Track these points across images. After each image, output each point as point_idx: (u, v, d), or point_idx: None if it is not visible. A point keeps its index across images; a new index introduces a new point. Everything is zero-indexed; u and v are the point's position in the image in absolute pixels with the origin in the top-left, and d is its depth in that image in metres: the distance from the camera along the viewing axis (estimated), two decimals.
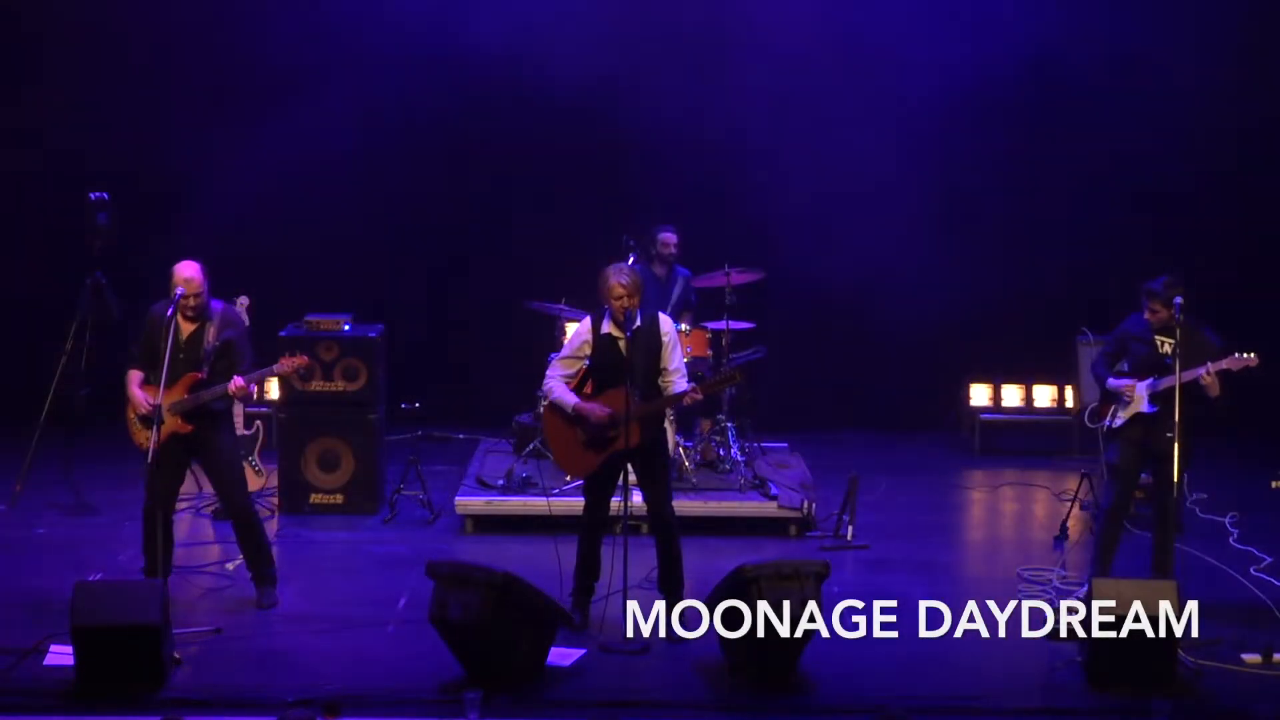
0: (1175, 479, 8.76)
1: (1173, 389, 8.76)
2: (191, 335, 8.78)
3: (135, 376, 8.80)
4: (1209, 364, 8.78)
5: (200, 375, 8.73)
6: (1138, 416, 9.04)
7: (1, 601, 8.97)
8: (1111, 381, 9.14)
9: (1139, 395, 9.01)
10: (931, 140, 13.26)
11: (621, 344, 8.53)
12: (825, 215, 13.13)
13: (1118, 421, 9.12)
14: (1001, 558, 10.42)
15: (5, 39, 13.39)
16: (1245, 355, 8.79)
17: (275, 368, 8.90)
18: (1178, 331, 8.82)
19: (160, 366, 8.58)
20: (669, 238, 11.77)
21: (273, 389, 11.75)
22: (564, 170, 13.65)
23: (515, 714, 7.56)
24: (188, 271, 8.70)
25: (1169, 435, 8.66)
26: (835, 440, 13.22)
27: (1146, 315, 9.01)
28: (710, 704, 7.75)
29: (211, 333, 8.78)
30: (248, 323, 9.49)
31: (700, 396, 8.63)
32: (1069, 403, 13.15)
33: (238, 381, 8.66)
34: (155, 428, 8.46)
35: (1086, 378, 11.04)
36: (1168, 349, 8.96)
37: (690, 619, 8.43)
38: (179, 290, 8.65)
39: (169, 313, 8.59)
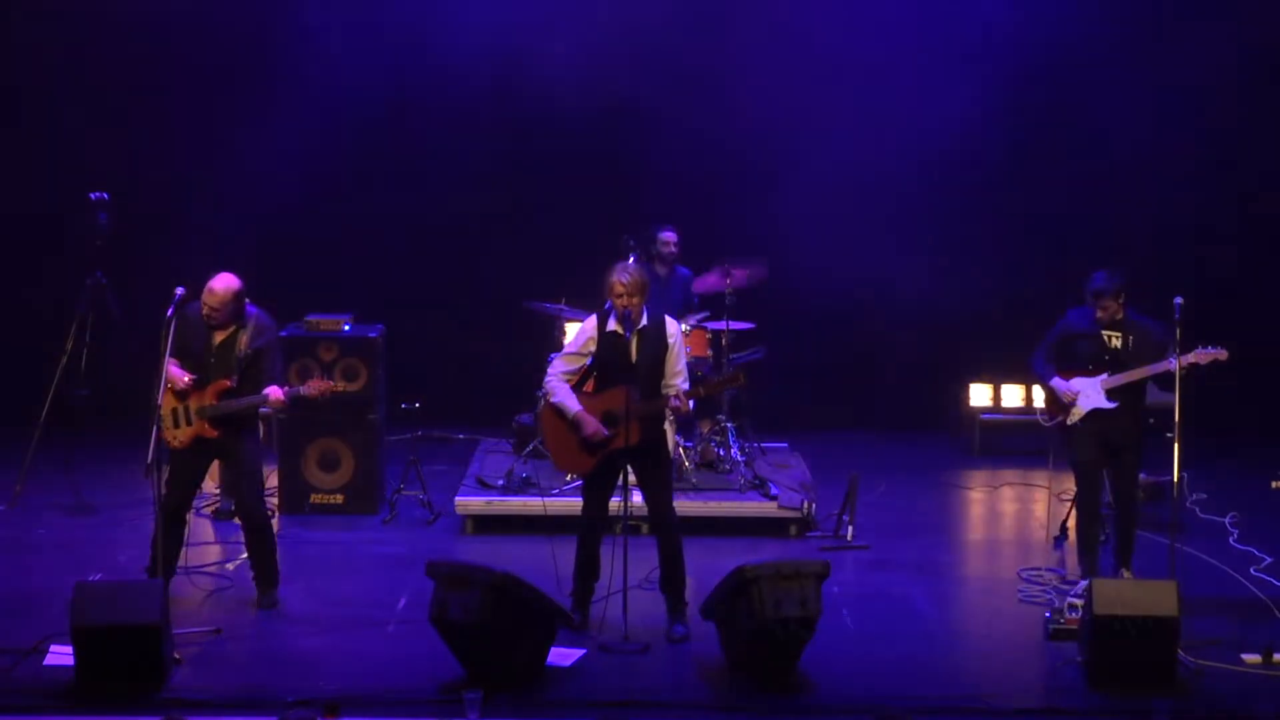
0: (1176, 479, 8.82)
1: (1127, 384, 8.99)
2: (224, 341, 8.76)
3: (173, 361, 8.71)
4: (1174, 358, 8.84)
5: (230, 383, 8.72)
6: (1095, 412, 9.10)
7: (1, 601, 8.96)
8: (1058, 383, 9.19)
9: (1084, 394, 9.07)
10: (931, 140, 13.23)
11: (624, 342, 8.53)
12: (826, 216, 13.12)
13: (1074, 419, 9.21)
14: (1001, 558, 10.42)
15: (5, 40, 13.38)
16: (1214, 349, 8.84)
17: (303, 389, 8.89)
18: (1177, 331, 8.85)
19: (189, 362, 8.62)
20: (669, 237, 11.79)
21: None
22: (565, 170, 13.65)
23: (515, 714, 7.56)
24: (213, 284, 8.68)
25: (1168, 435, 8.72)
26: (835, 440, 13.21)
27: (1099, 314, 9.08)
28: (710, 704, 7.73)
29: (245, 340, 8.76)
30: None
31: (688, 409, 8.66)
32: None
33: (277, 394, 8.67)
34: (155, 424, 8.45)
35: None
36: (1116, 344, 9.05)
37: (691, 619, 8.45)
38: (179, 291, 8.66)
39: (169, 313, 8.58)
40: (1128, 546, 9.29)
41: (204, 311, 8.68)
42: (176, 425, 8.72)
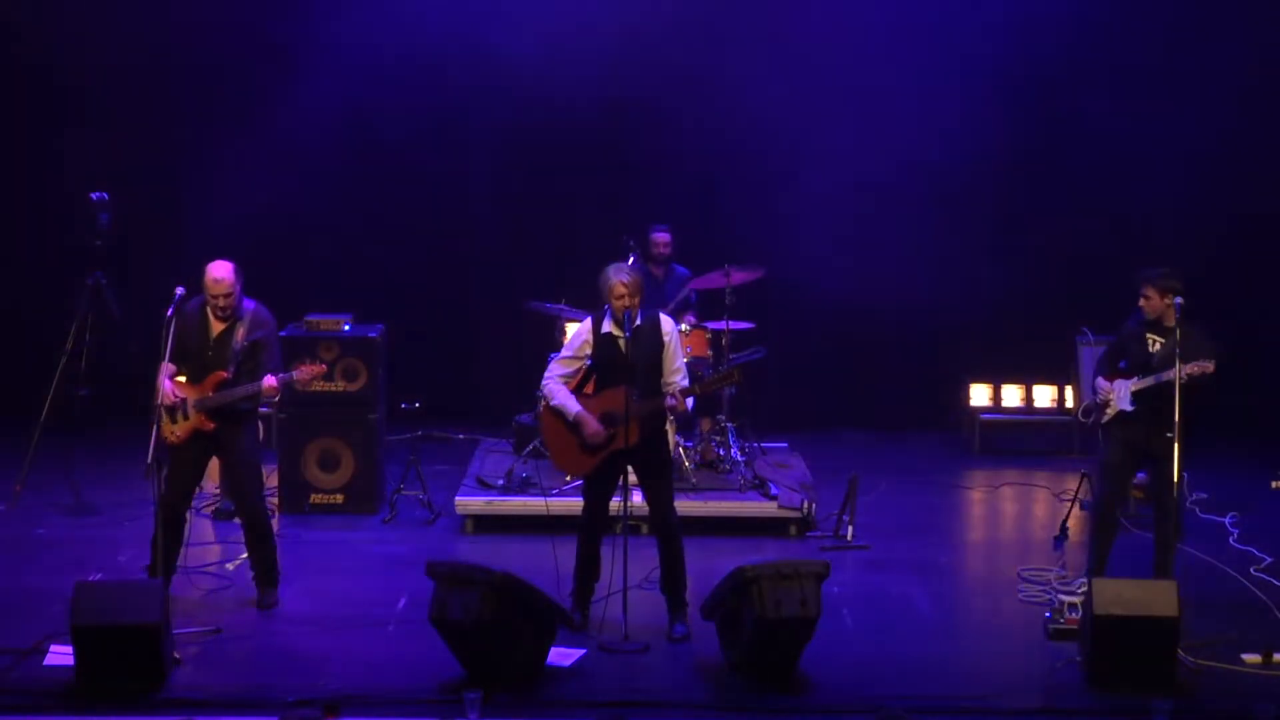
0: (1175, 479, 8.76)
1: (1153, 388, 8.81)
2: (221, 334, 8.77)
3: (167, 368, 8.73)
4: (1182, 366, 8.75)
5: (226, 375, 8.73)
6: (1120, 415, 9.05)
7: (1, 601, 8.96)
8: (1099, 382, 9.16)
9: (1117, 395, 9.01)
10: (931, 139, 13.24)
11: (621, 343, 8.54)
12: (825, 215, 13.12)
13: (1104, 418, 9.13)
14: (1001, 558, 10.42)
15: (6, 41, 13.38)
16: (1202, 362, 8.72)
17: (295, 374, 8.89)
18: (1177, 332, 8.81)
19: (188, 362, 8.66)
20: (661, 237, 11.84)
21: None
22: (565, 170, 13.65)
23: (515, 714, 7.56)
24: (217, 272, 8.69)
25: (1169, 435, 8.64)
26: (835, 440, 13.22)
27: (1140, 303, 8.98)
28: (710, 704, 7.74)
29: (241, 332, 8.77)
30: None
31: (685, 408, 8.66)
32: (1069, 403, 13.13)
33: (270, 381, 8.68)
34: (155, 424, 8.46)
35: (1086, 377, 11.05)
36: (1156, 348, 8.96)
37: (691, 619, 8.45)
38: (179, 290, 8.67)
39: (169, 313, 8.59)
40: (1165, 562, 8.98)
41: (218, 303, 8.66)
42: (174, 420, 8.72)
